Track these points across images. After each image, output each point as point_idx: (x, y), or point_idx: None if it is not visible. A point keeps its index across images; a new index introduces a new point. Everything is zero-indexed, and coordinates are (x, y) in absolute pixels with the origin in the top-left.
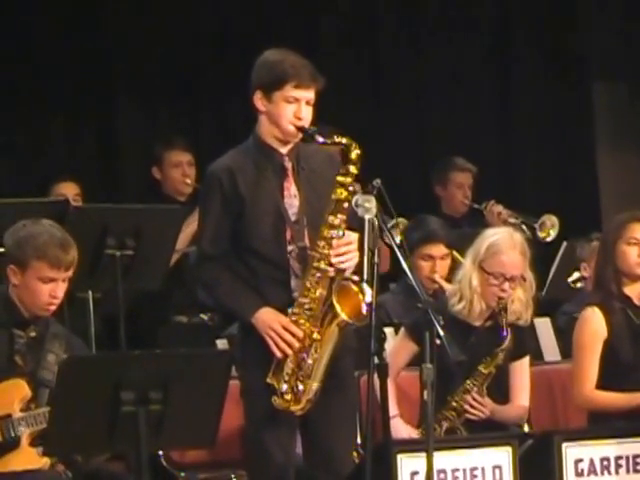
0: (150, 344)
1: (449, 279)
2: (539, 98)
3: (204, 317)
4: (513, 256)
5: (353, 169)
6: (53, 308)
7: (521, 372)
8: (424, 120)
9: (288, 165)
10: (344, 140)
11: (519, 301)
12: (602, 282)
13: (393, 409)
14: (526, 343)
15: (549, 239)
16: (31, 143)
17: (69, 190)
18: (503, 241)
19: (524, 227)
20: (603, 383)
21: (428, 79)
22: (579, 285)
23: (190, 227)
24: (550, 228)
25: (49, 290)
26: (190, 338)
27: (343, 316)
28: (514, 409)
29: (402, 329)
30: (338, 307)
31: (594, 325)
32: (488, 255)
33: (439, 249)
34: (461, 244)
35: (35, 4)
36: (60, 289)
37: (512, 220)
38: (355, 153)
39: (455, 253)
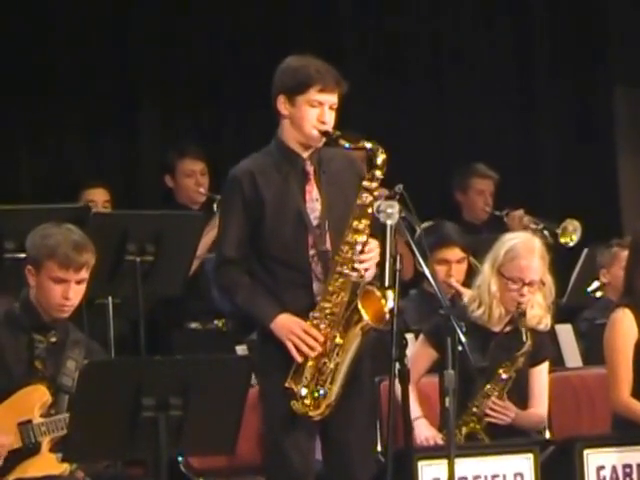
0: (166, 351)
1: (466, 283)
2: (560, 104)
3: (218, 323)
4: (532, 260)
5: (379, 174)
6: (67, 310)
7: (539, 379)
8: (445, 126)
9: (310, 169)
10: (369, 145)
11: (538, 306)
12: (633, 287)
13: (416, 411)
14: (545, 348)
15: (571, 244)
16: (54, 151)
17: (99, 196)
18: (521, 245)
19: (546, 233)
20: (633, 387)
21: (449, 84)
22: (598, 294)
23: (209, 234)
24: (572, 233)
25: (61, 291)
26: (205, 345)
27: (368, 320)
28: (532, 416)
29: (421, 335)
30: (363, 311)
31: (625, 326)
32: (506, 260)
33: (454, 253)
34: (480, 250)
35: (59, 15)
36: (73, 291)
37: (533, 226)
38: (381, 158)
39: (472, 258)
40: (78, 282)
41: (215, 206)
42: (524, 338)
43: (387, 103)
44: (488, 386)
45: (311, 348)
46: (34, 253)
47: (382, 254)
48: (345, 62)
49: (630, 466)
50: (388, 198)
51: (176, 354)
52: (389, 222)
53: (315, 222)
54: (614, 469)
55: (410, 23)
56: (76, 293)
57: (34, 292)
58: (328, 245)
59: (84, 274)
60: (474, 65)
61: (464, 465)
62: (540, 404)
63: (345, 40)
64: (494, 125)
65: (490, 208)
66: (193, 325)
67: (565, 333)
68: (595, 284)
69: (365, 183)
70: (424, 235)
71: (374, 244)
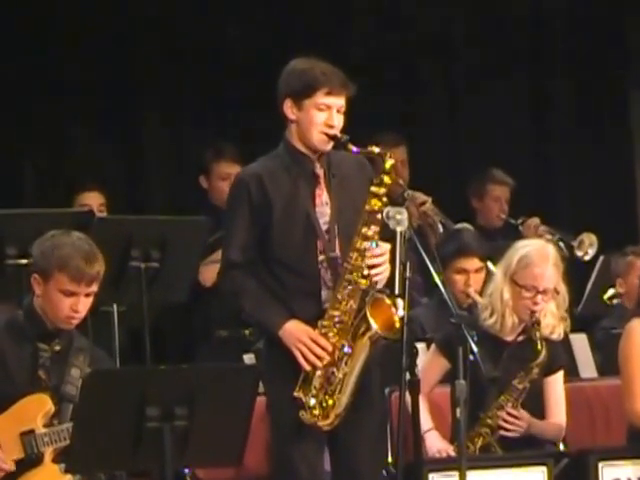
0: (191, 359)
1: (483, 293)
2: (575, 112)
3: (246, 332)
4: (545, 268)
5: (387, 179)
6: (74, 322)
7: (555, 388)
8: (459, 133)
9: (319, 172)
10: (378, 150)
11: (552, 315)
12: None
13: (427, 423)
14: (559, 357)
15: (587, 258)
16: (56, 154)
17: (94, 200)
18: (535, 253)
19: (562, 244)
20: None
21: (463, 90)
22: (615, 301)
23: None
24: (588, 247)
25: (70, 303)
26: (231, 353)
27: (377, 329)
28: (551, 426)
29: (433, 345)
30: (372, 320)
31: None
32: (520, 267)
33: (473, 262)
34: (495, 257)
35: (59, 14)
36: (82, 304)
37: (549, 237)
38: (389, 163)
39: (490, 266)
40: (87, 295)
41: None
42: (539, 348)
43: (401, 108)
44: (502, 397)
45: (319, 358)
46: (43, 263)
47: (392, 261)
48: (355, 68)
49: None
50: (396, 204)
51: (203, 362)
52: (399, 229)
53: (324, 227)
54: None
55: (421, 32)
56: (85, 305)
57: (39, 301)
58: (337, 251)
59: (94, 287)
60: (488, 73)
61: (476, 477)
62: (557, 414)
63: (353, 47)
64: (508, 134)
65: (506, 215)
66: (221, 333)
67: (580, 343)
68: (611, 291)
69: (373, 188)
70: (442, 243)
71: (383, 248)
